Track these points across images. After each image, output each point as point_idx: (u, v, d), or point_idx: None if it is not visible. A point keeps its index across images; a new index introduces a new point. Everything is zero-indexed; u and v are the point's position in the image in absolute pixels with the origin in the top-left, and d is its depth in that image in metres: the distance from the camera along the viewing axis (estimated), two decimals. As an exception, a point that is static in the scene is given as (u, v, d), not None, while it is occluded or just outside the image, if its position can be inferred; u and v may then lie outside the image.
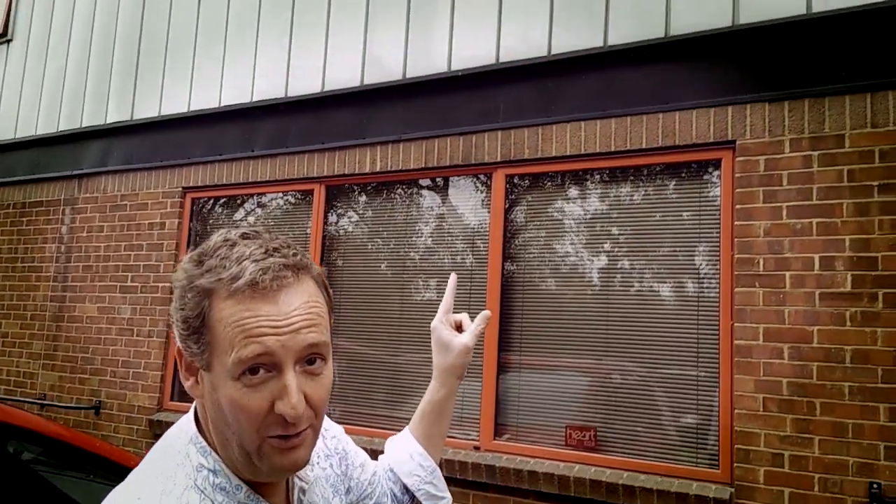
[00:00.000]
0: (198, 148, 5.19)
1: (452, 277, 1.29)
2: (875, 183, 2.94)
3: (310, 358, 0.83)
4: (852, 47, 3.07)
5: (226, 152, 5.05)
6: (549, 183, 3.93)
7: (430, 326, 1.25)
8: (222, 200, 5.24)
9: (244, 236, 0.85)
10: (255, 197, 5.08)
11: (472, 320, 1.26)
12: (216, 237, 0.86)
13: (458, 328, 1.25)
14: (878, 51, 3.01)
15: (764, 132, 3.22)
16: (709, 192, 3.45)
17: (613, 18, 3.67)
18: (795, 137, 3.13)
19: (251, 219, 5.11)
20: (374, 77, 4.45)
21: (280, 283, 0.81)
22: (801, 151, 3.11)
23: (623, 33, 3.63)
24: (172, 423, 0.93)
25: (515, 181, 4.03)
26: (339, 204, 4.70)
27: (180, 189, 5.25)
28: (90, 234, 5.64)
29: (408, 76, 4.32)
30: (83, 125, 5.81)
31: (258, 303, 0.80)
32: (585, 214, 3.79)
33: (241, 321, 0.79)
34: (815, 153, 3.07)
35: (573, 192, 3.85)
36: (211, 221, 5.27)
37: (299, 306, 0.82)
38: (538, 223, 3.92)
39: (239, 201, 5.17)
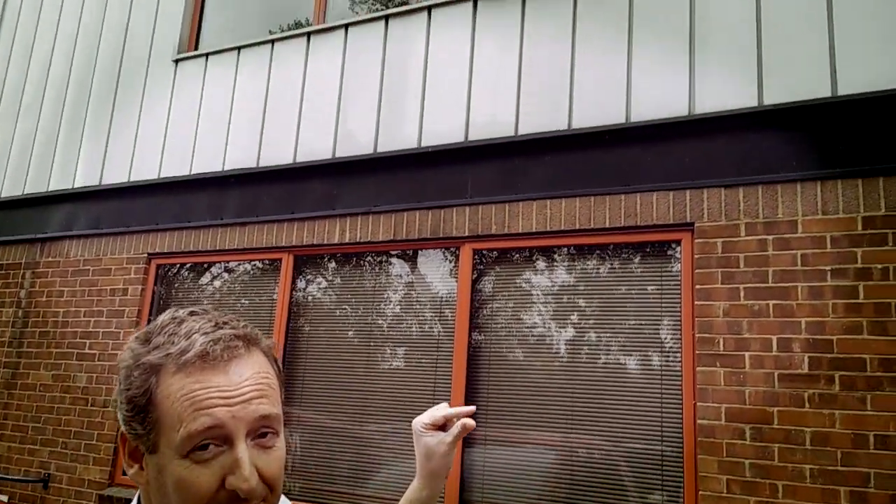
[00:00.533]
0: (166, 214, 5.17)
1: (455, 409, 1.23)
2: (827, 267, 3.05)
3: (262, 431, 0.80)
4: (801, 139, 3.23)
5: (194, 220, 5.04)
6: (516, 257, 3.99)
7: (405, 418, 1.23)
8: (188, 267, 5.19)
9: (192, 313, 0.85)
10: (221, 264, 5.05)
11: (449, 406, 1.21)
12: (163, 316, 0.85)
13: (440, 426, 1.21)
14: (825, 142, 3.17)
15: (720, 216, 3.33)
16: (670, 271, 3.53)
17: (577, 103, 3.83)
18: (750, 222, 3.25)
19: (217, 283, 5.07)
20: (346, 150, 4.53)
21: (231, 354, 0.80)
22: (756, 235, 3.22)
23: (586, 117, 3.78)
24: (123, 500, 0.90)
25: (483, 255, 4.08)
26: (306, 273, 4.70)
27: (146, 255, 5.20)
28: (49, 300, 5.52)
29: (379, 150, 4.41)
30: (50, 189, 5.77)
31: (208, 374, 0.78)
32: (551, 288, 3.84)
33: (189, 394, 0.77)
34: (770, 237, 3.18)
35: (539, 266, 3.91)
36: (176, 286, 5.21)
37: (250, 377, 0.81)
38: (505, 296, 3.96)
39: (205, 268, 5.13)
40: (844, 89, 3.17)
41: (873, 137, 3.08)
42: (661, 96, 3.59)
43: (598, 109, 3.75)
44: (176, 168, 5.20)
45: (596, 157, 3.71)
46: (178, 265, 5.22)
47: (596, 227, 3.65)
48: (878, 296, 2.94)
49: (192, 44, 5.56)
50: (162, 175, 5.26)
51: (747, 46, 3.43)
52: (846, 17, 3.24)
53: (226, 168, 4.98)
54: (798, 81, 3.27)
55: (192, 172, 5.11)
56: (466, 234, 4.04)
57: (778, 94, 3.32)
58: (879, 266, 2.95)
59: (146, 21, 5.75)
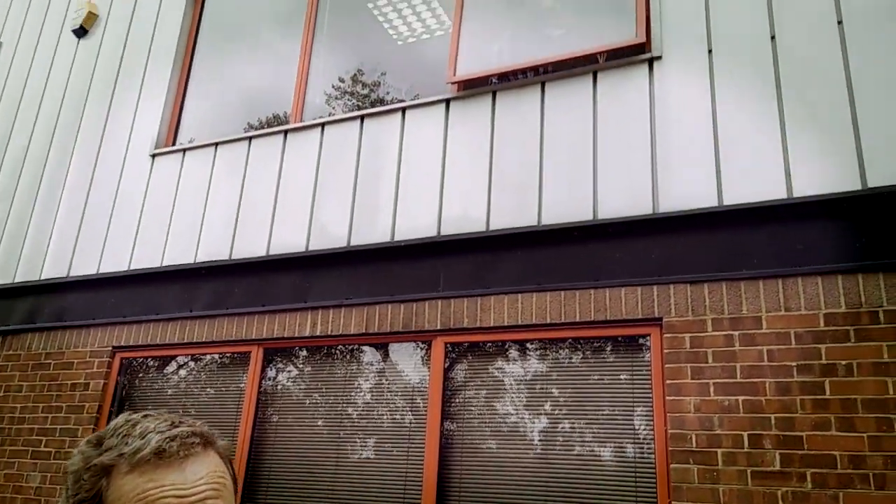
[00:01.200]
0: (133, 307, 5.10)
1: None
2: (793, 363, 3.10)
3: None
4: (760, 237, 3.35)
5: (162, 312, 4.98)
6: (488, 351, 3.99)
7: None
8: (154, 360, 5.08)
9: (147, 416, 0.83)
10: (189, 357, 4.95)
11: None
12: (117, 419, 0.84)
13: None
14: (783, 241, 3.30)
15: (687, 311, 3.40)
16: (641, 365, 3.55)
17: (546, 200, 3.94)
18: (717, 317, 3.32)
19: (183, 376, 4.95)
20: (320, 244, 4.57)
21: (187, 451, 0.79)
22: (722, 331, 3.28)
23: (555, 214, 3.89)
24: None
25: (455, 348, 4.07)
26: (276, 366, 4.62)
27: (110, 348, 5.08)
28: (7, 395, 5.32)
29: (352, 244, 4.46)
30: (16, 280, 5.68)
31: (162, 471, 0.76)
32: (523, 381, 3.82)
33: (143, 493, 0.75)
34: (736, 333, 3.24)
35: (511, 359, 3.91)
36: (140, 380, 5.07)
37: (206, 475, 0.79)
38: (477, 389, 3.93)
39: (171, 361, 5.02)
40: (799, 191, 3.33)
41: (829, 237, 3.21)
42: (626, 195, 3.73)
43: (567, 206, 3.87)
44: (147, 260, 5.17)
45: (565, 253, 3.80)
46: (143, 358, 5.10)
47: (567, 322, 3.68)
48: (843, 392, 2.98)
49: (169, 139, 5.66)
50: (132, 267, 5.22)
51: (705, 149, 3.61)
52: (797, 124, 3.44)
53: (198, 260, 4.97)
54: (756, 182, 3.43)
55: (164, 264, 5.08)
56: (438, 327, 4.04)
57: (736, 194, 3.47)
58: (843, 362, 3.01)
59: (125, 117, 5.86)
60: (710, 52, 3.79)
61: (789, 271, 3.24)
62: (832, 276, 3.15)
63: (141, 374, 5.09)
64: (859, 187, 3.21)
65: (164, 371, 5.02)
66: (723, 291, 3.35)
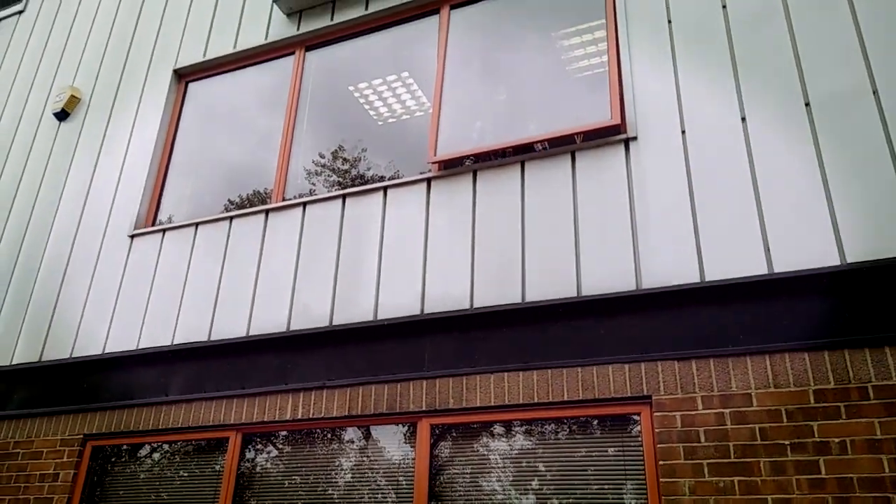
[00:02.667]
0: (107, 392, 4.94)
1: None
2: (786, 442, 3.05)
3: None
4: (744, 313, 3.36)
5: (137, 397, 4.82)
6: (475, 431, 3.89)
7: None
8: (127, 448, 4.87)
9: None
10: (163, 444, 4.76)
11: None
12: None
13: None
14: (767, 317, 3.31)
15: (677, 388, 3.36)
16: (632, 445, 3.48)
17: (529, 277, 3.95)
18: (706, 395, 3.29)
19: (158, 465, 4.73)
20: (301, 323, 4.50)
21: None
22: (713, 409, 3.24)
23: (538, 291, 3.88)
24: None
25: (440, 430, 3.96)
26: (255, 452, 4.45)
27: (81, 437, 4.88)
28: (-32, 488, 5.05)
29: (335, 323, 4.40)
30: (-16, 365, 5.49)
31: None
32: (510, 463, 3.71)
33: None
34: (727, 411, 3.20)
35: (498, 441, 3.81)
36: (113, 469, 4.84)
37: None
38: (464, 473, 3.80)
39: (146, 449, 4.82)
40: (779, 267, 3.37)
41: (812, 313, 3.23)
42: (608, 271, 3.74)
43: (550, 284, 3.87)
44: (122, 343, 5.04)
45: (551, 330, 3.77)
46: (116, 447, 4.89)
47: (554, 401, 3.62)
48: (839, 471, 2.93)
49: (149, 219, 5.63)
50: (106, 350, 5.08)
51: (684, 226, 3.66)
52: (773, 203, 3.52)
53: (175, 342, 4.86)
54: (735, 259, 3.47)
55: (139, 347, 4.95)
56: (424, 408, 3.95)
57: (717, 271, 3.50)
58: (837, 440, 2.98)
59: (105, 198, 5.83)
60: (683, 132, 3.90)
61: (775, 347, 3.23)
62: (819, 352, 3.15)
63: (114, 463, 4.87)
64: (838, 263, 3.26)
65: (139, 459, 4.82)
66: (711, 368, 3.32)
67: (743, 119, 3.77)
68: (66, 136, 6.43)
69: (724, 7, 4.10)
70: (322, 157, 5.56)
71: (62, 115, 6.57)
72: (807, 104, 3.66)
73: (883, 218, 3.25)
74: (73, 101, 6.59)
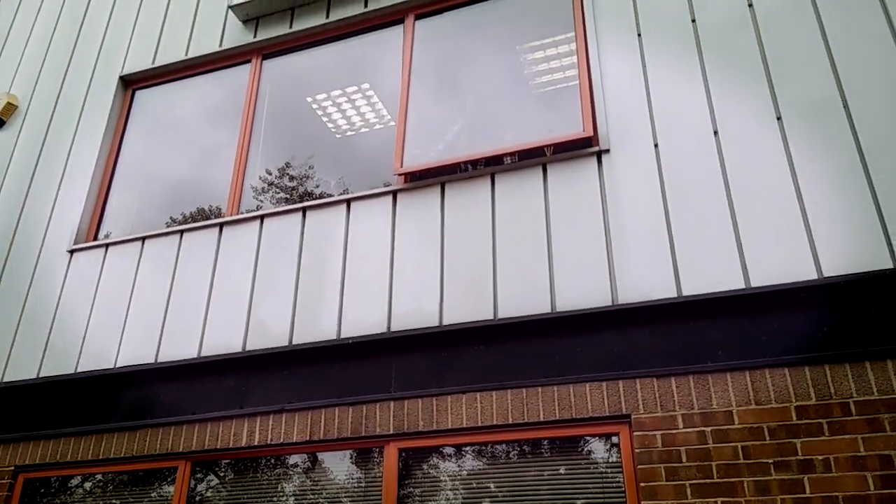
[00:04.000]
0: (42, 420, 4.55)
1: None
2: (769, 460, 2.98)
3: None
4: (722, 329, 3.29)
5: (76, 424, 4.45)
6: (446, 455, 3.70)
7: None
8: (63, 481, 4.49)
9: None
10: (104, 476, 4.40)
11: None
12: None
13: None
14: (746, 333, 3.25)
15: (656, 406, 3.26)
16: (612, 466, 3.35)
17: (501, 293, 3.81)
18: (687, 413, 3.19)
19: (98, 493, 4.37)
20: (258, 343, 4.24)
21: None
22: (694, 427, 3.14)
23: (511, 307, 3.74)
24: None
25: (409, 454, 3.76)
26: (207, 483, 4.15)
27: (12, 468, 4.47)
28: None
29: (295, 342, 4.16)
30: None
31: None
32: (485, 488, 3.54)
33: None
34: (708, 429, 3.12)
35: (472, 465, 3.63)
36: (47, 500, 4.45)
37: None
38: (433, 499, 3.60)
39: (84, 482, 4.44)
40: (756, 281, 3.32)
41: (790, 328, 3.19)
42: (583, 286, 3.64)
43: (523, 299, 3.73)
44: (59, 366, 4.67)
45: (525, 348, 3.63)
46: (51, 479, 4.50)
47: (530, 421, 3.47)
48: (824, 489, 2.86)
49: (91, 234, 5.28)
50: (42, 374, 4.70)
51: (660, 240, 3.59)
52: (747, 216, 3.48)
53: (118, 365, 4.52)
54: (712, 273, 3.41)
55: (79, 370, 4.59)
56: (391, 431, 3.75)
57: (694, 285, 3.43)
58: (820, 457, 2.92)
59: (42, 211, 5.45)
60: (655, 145, 3.86)
61: (755, 363, 3.17)
62: (799, 367, 3.10)
63: (49, 498, 4.47)
64: (815, 277, 3.23)
65: (76, 493, 4.44)
66: (690, 385, 3.24)
67: (716, 132, 3.75)
68: (1, 146, 6.01)
69: (693, 21, 4.10)
70: (279, 170, 5.33)
71: (-3, 124, 6.15)
72: (778, 118, 3.65)
73: (859, 231, 3.24)
74: (10, 108, 6.19)
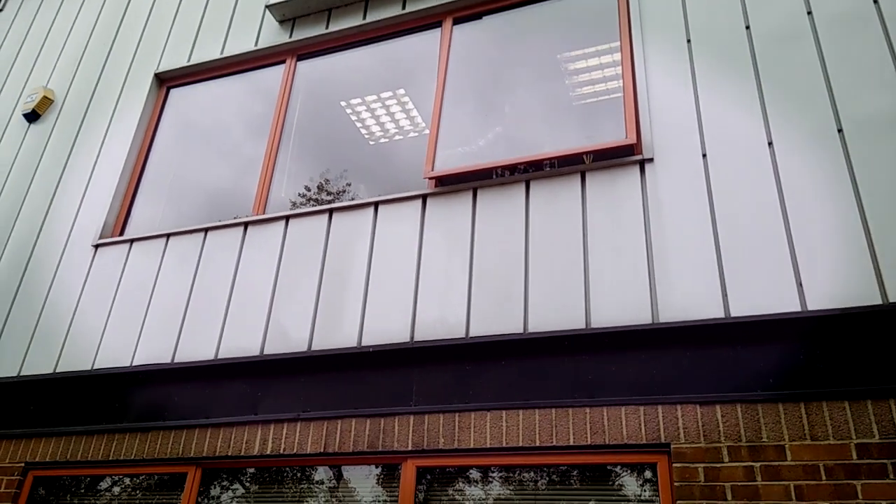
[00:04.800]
0: (54, 417, 4.43)
1: None
2: (826, 503, 2.68)
3: None
4: (775, 355, 3.02)
5: (88, 423, 4.32)
6: (467, 477, 3.46)
7: None
8: (72, 481, 4.35)
9: None
10: (114, 478, 4.25)
11: None
12: None
13: None
14: (802, 360, 2.97)
15: (699, 437, 2.99)
16: (648, 501, 3.08)
17: (532, 305, 3.58)
18: (733, 445, 2.91)
19: (108, 496, 4.22)
20: (276, 348, 4.07)
21: None
22: (741, 461, 2.86)
23: (543, 320, 3.52)
24: None
25: (428, 474, 3.53)
26: (217, 492, 3.97)
27: (22, 465, 4.36)
28: None
29: (314, 349, 3.98)
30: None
31: None
32: (507, 519, 3.29)
33: None
34: (757, 465, 2.83)
35: (494, 489, 3.39)
36: (55, 500, 4.31)
37: None
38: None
39: (94, 483, 4.30)
40: (813, 304, 3.04)
41: (854, 357, 2.90)
42: (621, 303, 3.39)
43: (556, 313, 3.50)
44: (76, 362, 4.57)
45: (555, 365, 3.39)
46: (60, 478, 4.37)
47: (559, 445, 3.22)
48: (888, 538, 2.56)
49: (117, 229, 5.20)
50: (58, 370, 4.60)
51: (707, 256, 3.34)
52: (804, 232, 3.21)
53: (135, 363, 4.39)
54: (764, 294, 3.14)
55: (95, 367, 4.48)
56: (409, 447, 3.52)
57: (744, 305, 3.16)
58: (884, 502, 2.61)
59: (71, 204, 5.40)
60: (704, 156, 3.61)
61: (811, 394, 2.88)
62: (861, 401, 2.81)
63: (58, 497, 4.34)
64: (879, 302, 2.94)
65: (85, 494, 4.30)
66: (738, 415, 2.96)
67: (770, 143, 3.49)
68: (35, 140, 6.00)
69: (747, 28, 3.86)
70: (318, 186, 5.19)
71: (32, 117, 6.16)
72: (839, 130, 3.38)
73: (929, 254, 2.95)
74: (46, 102, 6.19)
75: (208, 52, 5.67)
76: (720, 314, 3.18)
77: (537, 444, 3.26)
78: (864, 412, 2.78)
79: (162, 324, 4.46)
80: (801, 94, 3.54)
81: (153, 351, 4.39)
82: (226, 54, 5.58)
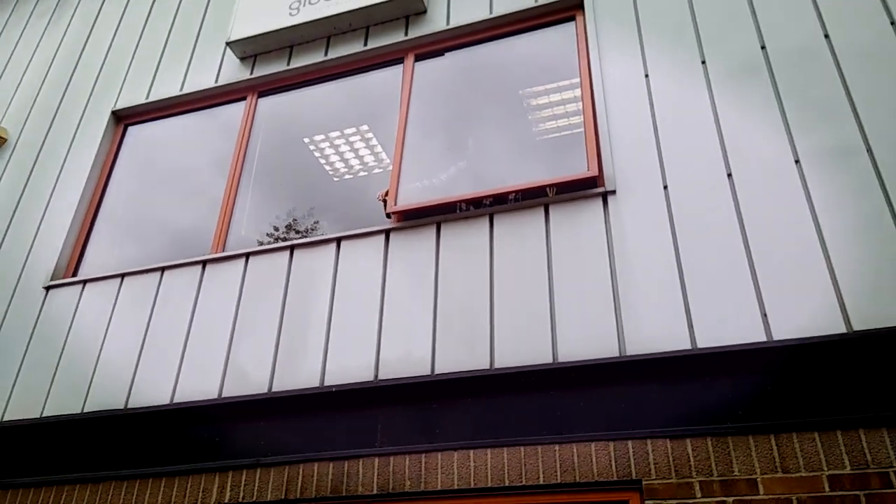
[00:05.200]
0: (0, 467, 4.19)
1: None
2: (798, 537, 2.63)
3: None
4: (742, 387, 2.99)
5: (34, 474, 4.08)
6: (433, 523, 3.34)
7: None
8: (16, 538, 4.10)
9: None
10: (61, 534, 4.01)
11: None
12: None
13: None
14: (768, 391, 2.94)
15: (670, 472, 2.92)
16: (618, 540, 2.99)
17: (499, 340, 3.52)
18: (705, 480, 2.85)
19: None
20: (235, 390, 3.92)
21: None
22: (713, 496, 2.80)
23: (509, 356, 3.45)
24: None
25: (393, 520, 3.39)
26: (170, 545, 3.76)
27: (-40, 522, 4.08)
28: None
29: (274, 390, 3.84)
30: None
31: None
32: (476, 565, 3.17)
33: None
34: (730, 499, 2.77)
35: (461, 534, 3.26)
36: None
37: None
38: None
39: (38, 539, 4.05)
40: (778, 335, 3.03)
41: (820, 386, 2.88)
42: (587, 336, 3.35)
43: (522, 348, 3.44)
44: (23, 410, 4.33)
45: (523, 401, 3.31)
46: (1, 535, 4.11)
47: (529, 485, 3.12)
48: (864, 572, 2.51)
49: (70, 270, 5.01)
50: (6, 418, 4.36)
51: (671, 288, 3.32)
52: (766, 264, 3.22)
53: (85, 410, 4.18)
54: (730, 324, 3.12)
55: (43, 415, 4.25)
56: (375, 491, 3.39)
57: (710, 337, 3.14)
58: (859, 535, 2.57)
59: (21, 246, 5.20)
60: (665, 187, 3.63)
61: (780, 425, 2.85)
62: (830, 432, 2.78)
63: (-5, 557, 4.07)
64: (844, 331, 2.94)
65: (27, 552, 4.04)
66: (709, 448, 2.91)
67: (729, 175, 3.52)
68: (-15, 178, 5.81)
69: (703, 63, 3.93)
70: (286, 227, 5.10)
71: (-17, 156, 5.97)
72: (797, 161, 3.43)
73: (886, 283, 2.97)
74: (-2, 140, 6.02)
75: (167, 88, 5.59)
76: (687, 346, 3.15)
77: (506, 483, 3.16)
78: (835, 443, 2.76)
79: (115, 368, 4.28)
80: (759, 125, 3.60)
81: (107, 396, 4.19)
82: (185, 91, 5.50)
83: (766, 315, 3.09)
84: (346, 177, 5.98)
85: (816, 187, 3.32)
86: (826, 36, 3.71)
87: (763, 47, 3.83)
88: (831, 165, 3.35)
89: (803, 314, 3.04)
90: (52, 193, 5.41)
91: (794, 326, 3.02)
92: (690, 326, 3.19)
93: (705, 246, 3.36)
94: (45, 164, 5.64)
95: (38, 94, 6.20)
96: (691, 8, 4.13)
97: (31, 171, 5.65)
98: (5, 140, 6.05)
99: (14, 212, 5.46)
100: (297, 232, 5.03)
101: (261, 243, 4.73)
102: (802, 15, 3.83)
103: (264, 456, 3.68)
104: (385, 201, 4.27)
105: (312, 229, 5.04)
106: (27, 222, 5.33)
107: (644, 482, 2.93)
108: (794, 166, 3.42)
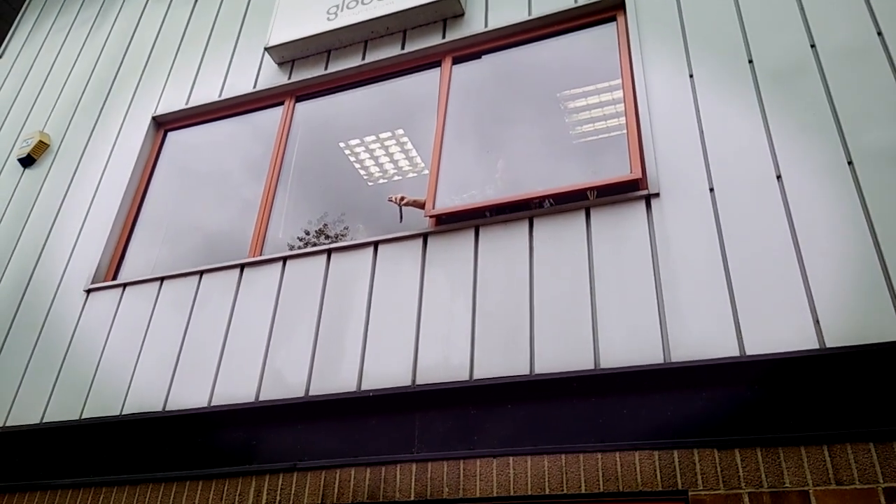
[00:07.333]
0: (36, 468, 4.24)
1: None
2: (858, 553, 2.51)
3: None
4: (793, 395, 2.88)
5: (73, 476, 4.13)
6: (471, 531, 3.28)
7: None
8: (57, 537, 4.14)
9: None
10: (100, 534, 4.05)
11: None
12: None
13: None
14: (821, 400, 2.83)
15: (718, 483, 2.83)
16: (663, 552, 2.90)
17: (539, 345, 3.45)
18: (754, 491, 2.75)
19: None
20: (272, 394, 3.91)
21: None
22: (764, 508, 2.70)
23: (550, 362, 3.38)
24: None
25: (431, 527, 3.35)
26: (208, 548, 3.76)
27: (3, 521, 4.15)
28: None
29: (311, 394, 3.82)
30: None
31: None
32: (516, 574, 3.10)
33: None
34: (782, 511, 2.67)
35: (500, 543, 3.20)
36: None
37: None
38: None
39: (78, 539, 4.09)
40: (831, 342, 2.91)
41: (875, 396, 2.76)
42: (631, 341, 3.26)
43: (563, 353, 3.37)
44: (63, 413, 4.39)
45: (564, 408, 3.24)
46: (43, 534, 4.16)
47: (570, 493, 3.05)
48: (928, 592, 2.39)
49: (110, 273, 5.08)
50: (45, 420, 4.42)
51: (719, 293, 3.23)
52: (817, 267, 3.11)
53: (125, 412, 4.22)
54: (779, 331, 3.02)
55: (83, 417, 4.30)
56: (412, 497, 3.35)
57: (759, 343, 3.04)
58: (921, 552, 2.45)
59: (63, 249, 5.29)
60: (711, 190, 3.54)
61: (835, 435, 2.74)
62: (887, 443, 2.66)
63: (37, 556, 4.12)
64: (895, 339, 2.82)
65: (67, 551, 4.08)
66: (758, 459, 2.80)
67: (778, 177, 3.41)
68: (29, 184, 5.93)
69: (750, 62, 3.83)
70: (316, 231, 5.12)
71: (27, 162, 6.10)
72: (849, 163, 3.32)
73: (950, 287, 2.85)
74: (41, 146, 6.14)
75: (207, 94, 5.65)
76: (735, 352, 3.05)
77: (547, 492, 3.09)
78: (891, 454, 2.64)
79: (153, 371, 4.31)
80: (809, 126, 3.49)
81: (144, 399, 4.22)
82: (224, 96, 5.55)
83: (818, 322, 2.98)
84: (381, 181, 5.98)
85: (870, 190, 3.20)
86: (879, 33, 3.59)
87: (812, 45, 3.72)
88: (885, 167, 3.23)
89: (858, 319, 2.92)
90: (93, 198, 5.49)
91: (850, 333, 2.90)
92: (738, 332, 3.09)
93: (753, 249, 3.26)
94: (86, 169, 5.74)
95: (79, 100, 6.32)
96: (737, 6, 4.04)
97: (73, 176, 5.75)
98: (48, 146, 6.17)
99: (56, 216, 5.56)
100: (329, 237, 5.04)
101: (291, 247, 4.75)
102: (853, 12, 3.71)
103: (301, 460, 3.66)
104: (398, 203, 4.28)
105: (344, 234, 5.04)
106: (69, 226, 5.42)
107: (690, 492, 2.84)
108: (847, 167, 3.30)
